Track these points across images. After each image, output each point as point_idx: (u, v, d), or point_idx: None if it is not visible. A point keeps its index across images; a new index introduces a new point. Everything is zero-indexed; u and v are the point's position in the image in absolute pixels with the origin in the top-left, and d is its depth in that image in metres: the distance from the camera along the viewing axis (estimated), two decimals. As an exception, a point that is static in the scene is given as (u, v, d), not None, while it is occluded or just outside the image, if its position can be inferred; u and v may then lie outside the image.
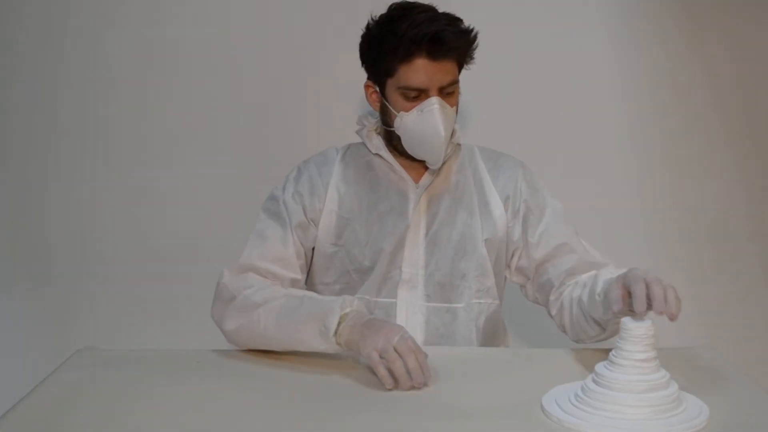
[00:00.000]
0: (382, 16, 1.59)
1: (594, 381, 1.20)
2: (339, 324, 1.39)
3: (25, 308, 2.28)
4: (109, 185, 2.22)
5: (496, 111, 2.18)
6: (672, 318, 1.22)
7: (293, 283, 1.61)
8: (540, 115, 2.19)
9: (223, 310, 1.53)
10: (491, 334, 1.69)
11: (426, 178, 1.66)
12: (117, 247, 2.25)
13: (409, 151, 1.63)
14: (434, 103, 1.55)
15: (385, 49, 1.55)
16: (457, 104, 1.62)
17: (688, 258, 2.26)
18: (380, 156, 1.67)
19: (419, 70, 1.53)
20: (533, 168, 1.75)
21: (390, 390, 1.30)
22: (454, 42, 1.54)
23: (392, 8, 1.58)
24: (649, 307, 1.22)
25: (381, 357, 1.31)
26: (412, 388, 1.30)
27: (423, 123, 1.56)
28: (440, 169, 1.67)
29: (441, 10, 1.60)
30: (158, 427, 1.20)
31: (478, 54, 2.13)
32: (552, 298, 1.62)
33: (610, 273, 1.49)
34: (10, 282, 2.26)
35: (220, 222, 2.11)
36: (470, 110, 2.12)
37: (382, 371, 1.31)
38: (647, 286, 1.24)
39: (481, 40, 2.13)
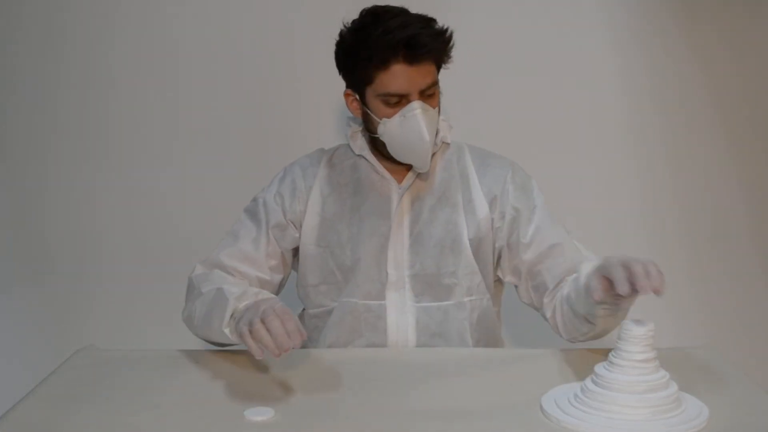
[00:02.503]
0: (354, 23, 1.57)
1: (593, 381, 1.20)
2: (232, 316, 1.39)
3: (25, 308, 2.28)
4: (109, 185, 2.22)
5: (496, 110, 2.18)
6: (657, 292, 1.19)
7: (261, 282, 1.63)
8: (540, 115, 2.19)
9: (187, 302, 1.58)
10: (486, 329, 1.68)
11: (408, 178, 1.65)
12: (117, 247, 2.25)
13: (396, 157, 1.62)
14: (416, 107, 1.54)
15: (361, 57, 1.54)
16: (439, 104, 1.61)
17: (688, 258, 2.26)
18: (363, 157, 1.67)
19: (398, 76, 1.52)
20: (533, 167, 1.74)
21: (260, 359, 1.29)
22: (429, 44, 1.52)
23: (363, 14, 1.57)
24: (633, 288, 1.20)
25: (249, 331, 1.29)
26: (281, 352, 1.26)
27: (406, 128, 1.55)
28: None
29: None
30: (158, 427, 1.20)
31: (479, 53, 2.15)
32: (546, 300, 1.60)
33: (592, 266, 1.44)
34: (10, 282, 2.27)
35: (220, 222, 2.10)
36: (470, 109, 2.12)
37: (249, 342, 1.28)
38: (626, 268, 1.22)
39: (481, 40, 2.15)
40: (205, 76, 2.18)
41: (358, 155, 1.68)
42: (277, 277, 1.67)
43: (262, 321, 1.27)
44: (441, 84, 1.63)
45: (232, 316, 1.39)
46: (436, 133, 1.64)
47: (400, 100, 1.55)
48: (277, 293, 1.69)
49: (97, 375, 1.42)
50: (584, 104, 2.20)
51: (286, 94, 2.18)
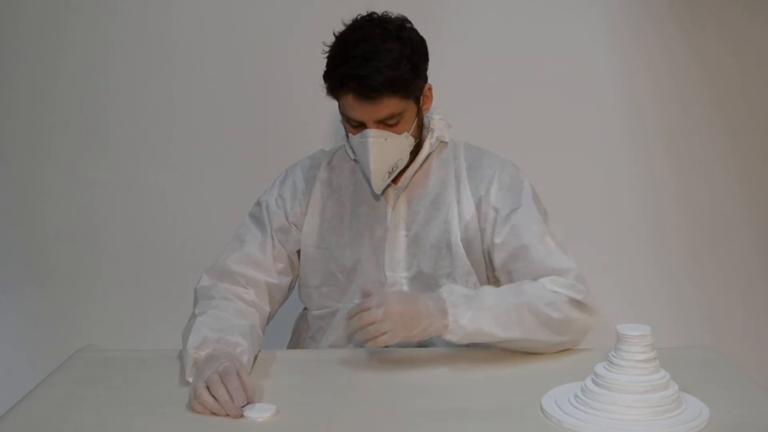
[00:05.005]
0: (337, 36, 1.55)
1: (593, 382, 1.20)
2: (195, 363, 1.36)
3: (25, 308, 2.28)
4: (109, 185, 2.22)
5: (496, 110, 2.18)
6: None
7: (269, 286, 1.62)
8: (540, 115, 2.18)
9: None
10: None
11: (404, 179, 1.64)
12: (117, 247, 2.25)
13: None
14: (369, 136, 1.53)
15: (325, 78, 1.55)
16: (414, 126, 1.58)
17: (688, 258, 2.26)
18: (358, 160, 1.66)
19: (352, 106, 1.52)
20: (533, 168, 1.74)
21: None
22: (381, 87, 1.48)
23: (345, 30, 1.55)
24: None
25: (196, 398, 1.25)
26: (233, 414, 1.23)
27: (360, 152, 1.56)
28: (420, 168, 1.65)
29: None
30: (158, 427, 1.20)
31: (480, 52, 2.15)
32: None
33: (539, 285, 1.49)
34: (10, 282, 2.27)
35: (220, 222, 2.11)
36: (470, 109, 2.11)
37: (196, 408, 1.25)
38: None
39: (481, 38, 2.15)
40: (205, 77, 2.18)
41: (354, 159, 1.68)
42: (286, 280, 1.67)
43: (208, 389, 1.24)
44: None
45: (194, 364, 1.36)
46: (422, 140, 1.62)
47: (359, 125, 1.55)
48: (287, 296, 1.69)
49: (97, 375, 1.42)
50: (584, 104, 2.19)
51: (286, 95, 2.18)
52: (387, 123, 1.53)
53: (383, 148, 1.54)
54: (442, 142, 1.68)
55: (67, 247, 2.25)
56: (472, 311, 1.41)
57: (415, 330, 1.38)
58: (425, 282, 1.62)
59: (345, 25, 1.57)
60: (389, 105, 1.51)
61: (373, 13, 1.56)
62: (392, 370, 1.44)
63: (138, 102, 2.20)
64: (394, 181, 1.65)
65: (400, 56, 1.50)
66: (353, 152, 1.65)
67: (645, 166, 2.23)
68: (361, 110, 1.52)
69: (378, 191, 1.61)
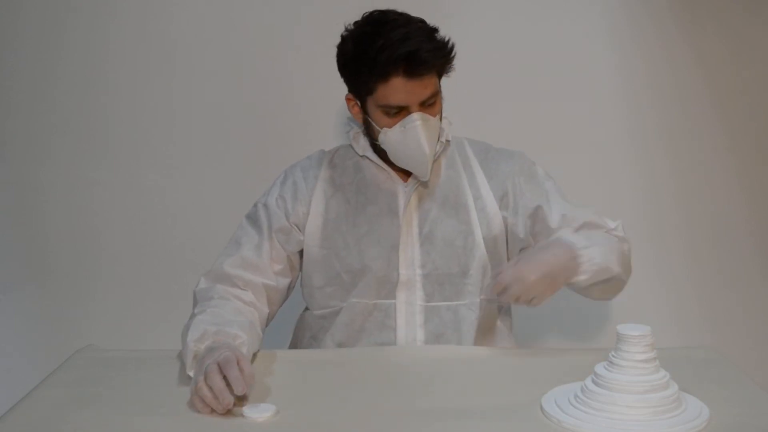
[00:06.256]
0: (354, 30, 1.56)
1: (593, 382, 1.20)
2: (195, 357, 1.36)
3: (25, 308, 2.28)
4: (109, 185, 2.22)
5: (496, 110, 2.18)
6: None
7: (266, 288, 1.62)
8: (540, 115, 2.18)
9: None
10: (488, 330, 1.69)
11: (414, 177, 1.65)
12: (117, 247, 2.25)
13: (397, 164, 1.63)
14: (416, 119, 1.54)
15: (361, 68, 1.53)
16: (440, 110, 1.61)
17: (688, 258, 2.26)
18: (368, 157, 1.67)
19: (398, 90, 1.51)
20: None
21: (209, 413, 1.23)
22: (430, 60, 1.51)
23: (364, 22, 1.55)
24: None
25: (196, 391, 1.25)
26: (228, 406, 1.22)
27: (406, 139, 1.56)
28: None
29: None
30: (158, 427, 1.20)
31: (480, 52, 2.14)
32: None
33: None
34: (10, 282, 2.27)
35: (220, 222, 2.11)
36: (470, 109, 2.11)
37: (196, 404, 1.24)
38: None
39: (481, 38, 2.15)
40: (205, 77, 2.18)
41: (362, 156, 1.67)
42: (284, 282, 1.66)
43: (207, 381, 1.24)
44: (440, 82, 1.63)
45: (194, 357, 1.36)
46: (439, 138, 1.64)
47: (400, 111, 1.55)
48: (286, 297, 1.69)
49: (97, 375, 1.42)
50: (584, 104, 2.19)
51: (286, 95, 2.18)
52: (428, 103, 1.55)
53: (429, 129, 1.56)
54: (445, 141, 1.69)
55: (67, 247, 2.25)
56: (596, 247, 1.51)
57: (556, 286, 1.47)
58: (439, 281, 1.63)
59: (347, 29, 1.57)
60: (431, 82, 1.54)
61: (375, 10, 1.57)
62: (392, 370, 1.44)
63: (138, 102, 2.20)
64: (404, 179, 1.65)
65: (431, 29, 1.55)
66: (369, 149, 1.64)
67: (645, 166, 2.23)
68: (406, 91, 1.52)
69: (426, 176, 1.61)
